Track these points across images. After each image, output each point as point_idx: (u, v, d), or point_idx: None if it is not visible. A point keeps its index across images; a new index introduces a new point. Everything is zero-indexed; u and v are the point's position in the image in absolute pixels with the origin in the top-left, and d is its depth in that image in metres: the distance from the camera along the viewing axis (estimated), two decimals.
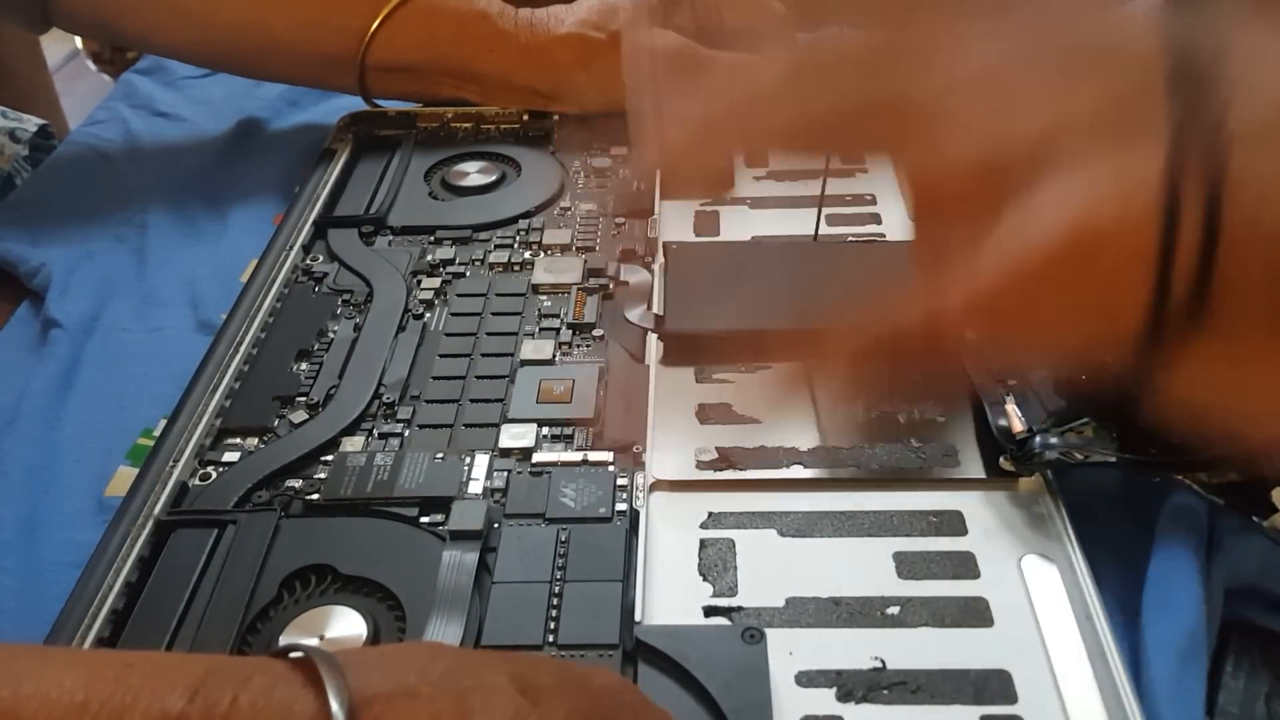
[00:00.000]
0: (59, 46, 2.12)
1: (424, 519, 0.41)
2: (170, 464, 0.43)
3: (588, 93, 0.65)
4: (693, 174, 0.33)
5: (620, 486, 0.42)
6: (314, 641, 0.36)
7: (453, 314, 0.51)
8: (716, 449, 0.44)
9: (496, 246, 0.56)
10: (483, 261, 0.55)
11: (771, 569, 0.39)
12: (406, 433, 0.45)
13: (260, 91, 0.77)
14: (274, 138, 0.72)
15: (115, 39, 0.75)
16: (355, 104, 0.69)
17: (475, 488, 0.42)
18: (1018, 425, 0.41)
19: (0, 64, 1.11)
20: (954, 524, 0.40)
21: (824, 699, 0.34)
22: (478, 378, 0.48)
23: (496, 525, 0.40)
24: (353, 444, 0.45)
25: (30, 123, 0.81)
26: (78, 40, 2.18)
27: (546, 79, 0.65)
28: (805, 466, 0.43)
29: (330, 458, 0.44)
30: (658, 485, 0.42)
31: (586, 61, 0.64)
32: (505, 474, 0.43)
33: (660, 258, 0.54)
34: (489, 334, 0.50)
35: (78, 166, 0.71)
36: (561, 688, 0.27)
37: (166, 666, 0.27)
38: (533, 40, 0.64)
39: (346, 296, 0.53)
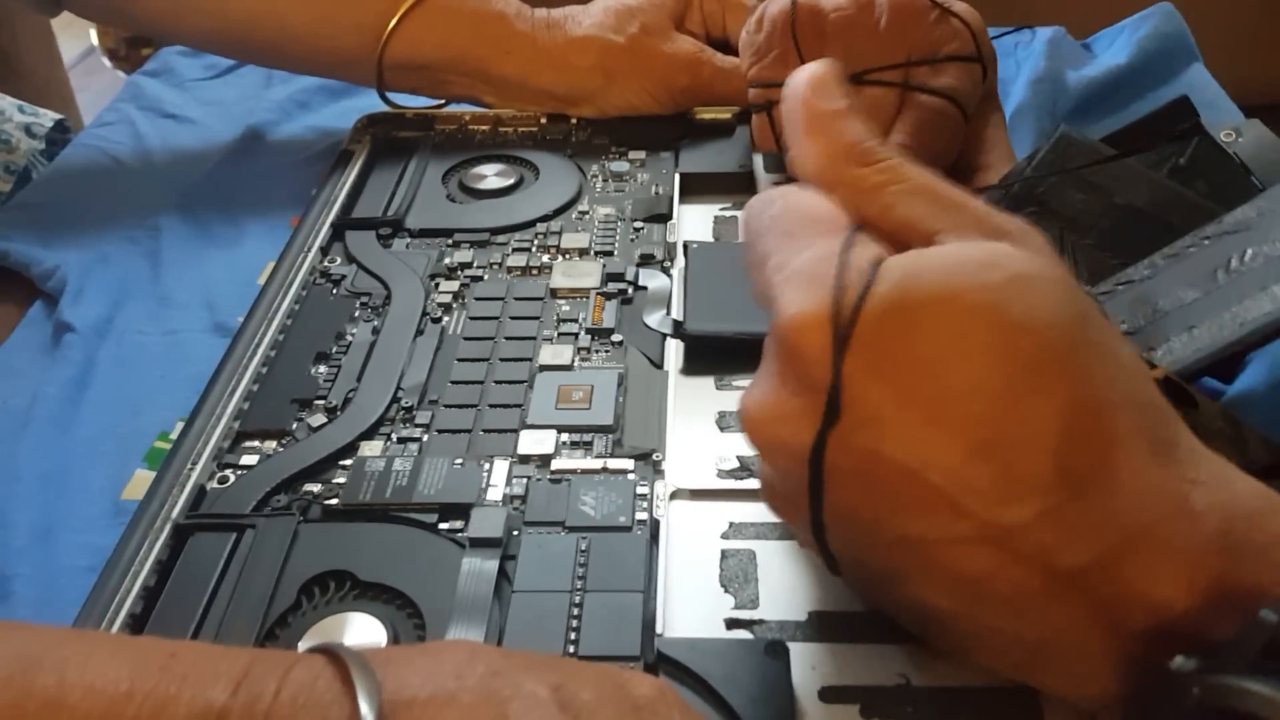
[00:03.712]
0: (74, 43, 2.12)
1: (443, 525, 0.41)
2: (188, 466, 0.43)
3: (605, 96, 0.65)
4: None
5: (640, 495, 0.41)
6: None
7: (471, 318, 0.51)
8: (737, 458, 0.43)
9: (514, 250, 0.56)
10: (501, 265, 0.55)
11: (793, 581, 0.39)
12: (425, 437, 0.45)
13: (269, 94, 0.77)
14: (284, 140, 0.72)
15: (128, 25, 0.75)
16: (365, 106, 0.69)
17: (494, 494, 0.42)
18: None
19: (16, 59, 1.11)
20: None
21: (848, 715, 0.34)
22: (496, 382, 0.47)
23: (516, 533, 0.40)
24: (371, 448, 0.44)
25: (46, 117, 0.81)
26: (93, 36, 2.18)
27: (564, 82, 0.65)
28: None
29: (349, 462, 0.44)
30: (678, 494, 0.42)
31: (604, 65, 0.64)
32: (525, 481, 0.42)
33: (680, 260, 0.54)
34: (507, 338, 0.50)
35: (88, 168, 0.71)
36: (602, 705, 0.27)
37: (210, 657, 0.27)
38: (550, 42, 0.64)
39: (365, 299, 0.53)
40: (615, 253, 0.56)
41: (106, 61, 2.20)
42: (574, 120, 0.67)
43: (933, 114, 0.52)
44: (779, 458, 0.32)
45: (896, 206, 0.32)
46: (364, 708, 0.25)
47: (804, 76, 0.34)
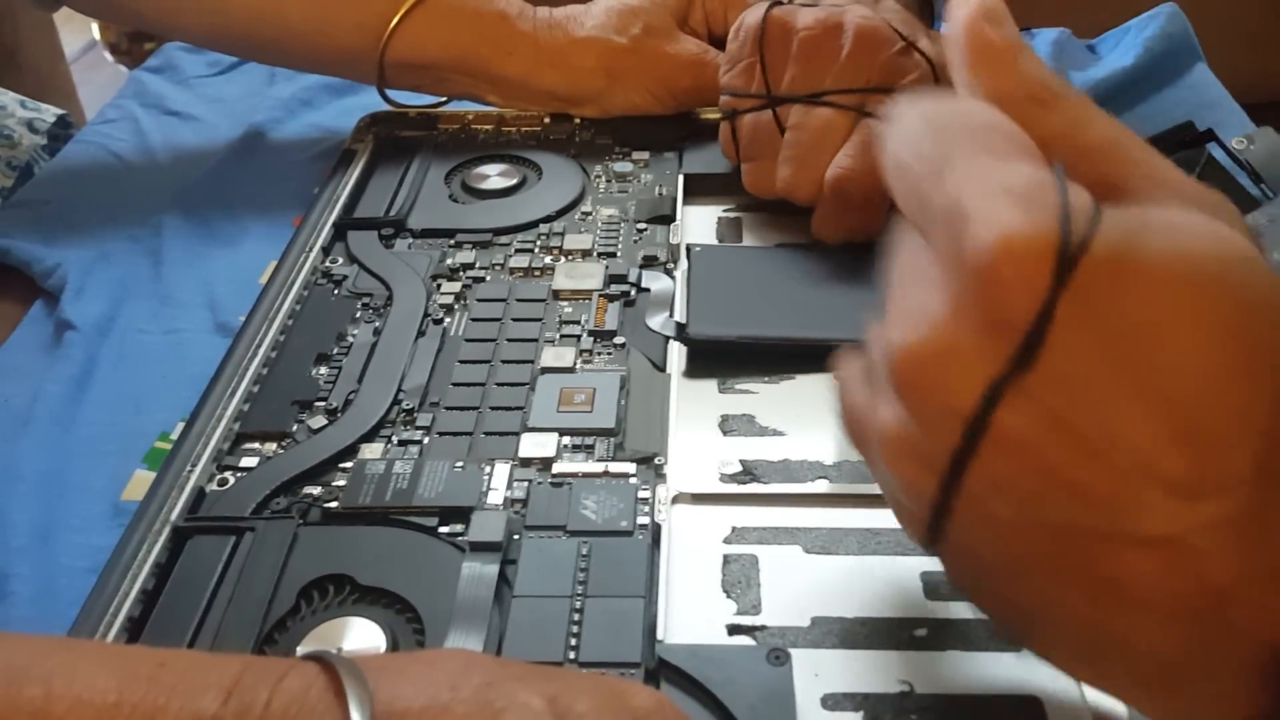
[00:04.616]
0: (76, 37, 2.12)
1: (443, 529, 0.40)
2: (188, 468, 0.43)
3: (608, 97, 0.65)
4: None
5: (642, 499, 0.41)
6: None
7: (473, 319, 0.51)
8: (740, 461, 0.43)
9: (517, 251, 0.56)
10: (503, 266, 0.55)
11: (796, 587, 0.38)
12: (426, 440, 0.45)
13: (272, 91, 0.77)
14: (286, 138, 0.72)
15: (128, 21, 0.74)
16: (368, 104, 0.69)
17: (495, 498, 0.42)
18: None
19: (18, 54, 1.10)
20: None
21: None
22: (498, 385, 0.47)
23: (516, 537, 0.40)
24: (372, 451, 0.44)
25: (48, 113, 0.81)
26: (95, 30, 2.17)
27: (566, 83, 0.65)
28: (830, 481, 0.42)
29: (349, 465, 0.43)
30: (680, 498, 0.42)
31: (607, 66, 0.64)
32: (525, 484, 0.42)
33: (683, 262, 0.54)
34: (509, 340, 0.49)
35: (90, 165, 0.71)
36: (599, 716, 0.27)
37: (200, 666, 0.27)
38: (552, 43, 0.64)
39: (366, 300, 0.53)
40: (618, 254, 0.55)
41: (108, 56, 2.20)
42: (578, 120, 0.67)
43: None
44: (930, 402, 0.27)
45: (1083, 156, 0.28)
46: (356, 718, 0.25)
47: (974, 5, 0.29)
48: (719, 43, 0.65)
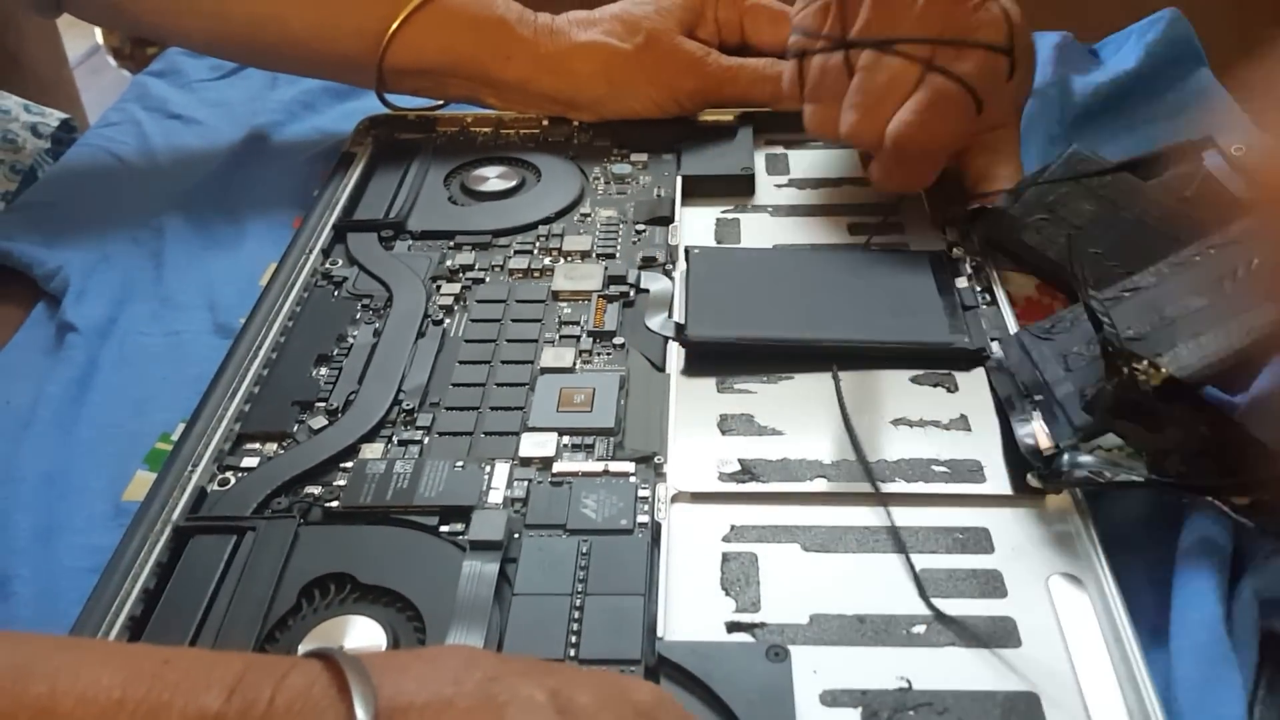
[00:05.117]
0: (79, 41, 2.12)
1: (444, 528, 0.41)
2: (189, 469, 0.43)
3: (607, 102, 0.65)
4: None
5: (641, 498, 0.41)
6: None
7: (472, 320, 0.51)
8: (739, 460, 0.43)
9: (516, 252, 0.56)
10: (502, 267, 0.55)
11: (795, 584, 0.38)
12: (426, 440, 0.45)
13: (274, 94, 0.77)
14: (289, 141, 0.72)
15: (129, 27, 0.74)
16: (370, 107, 0.69)
17: (495, 497, 0.42)
18: (1045, 442, 0.41)
19: (21, 58, 1.10)
20: (980, 541, 0.39)
21: (849, 719, 0.34)
22: (498, 385, 0.47)
23: (517, 535, 0.40)
24: (372, 451, 0.44)
25: (52, 117, 0.81)
26: (98, 35, 2.18)
27: (565, 87, 0.65)
28: (829, 480, 0.42)
29: (350, 465, 0.43)
30: (679, 497, 0.42)
31: (607, 71, 0.64)
32: (525, 483, 0.42)
33: (681, 263, 0.54)
34: (509, 341, 0.50)
35: (92, 168, 0.71)
36: (600, 709, 0.27)
37: (204, 663, 0.27)
38: (552, 48, 0.64)
39: (366, 301, 0.53)
40: (617, 255, 0.55)
41: (111, 60, 2.20)
42: (576, 122, 0.67)
43: (944, 98, 0.52)
44: None
45: None
46: (360, 714, 0.25)
47: None
48: (731, 53, 0.65)
